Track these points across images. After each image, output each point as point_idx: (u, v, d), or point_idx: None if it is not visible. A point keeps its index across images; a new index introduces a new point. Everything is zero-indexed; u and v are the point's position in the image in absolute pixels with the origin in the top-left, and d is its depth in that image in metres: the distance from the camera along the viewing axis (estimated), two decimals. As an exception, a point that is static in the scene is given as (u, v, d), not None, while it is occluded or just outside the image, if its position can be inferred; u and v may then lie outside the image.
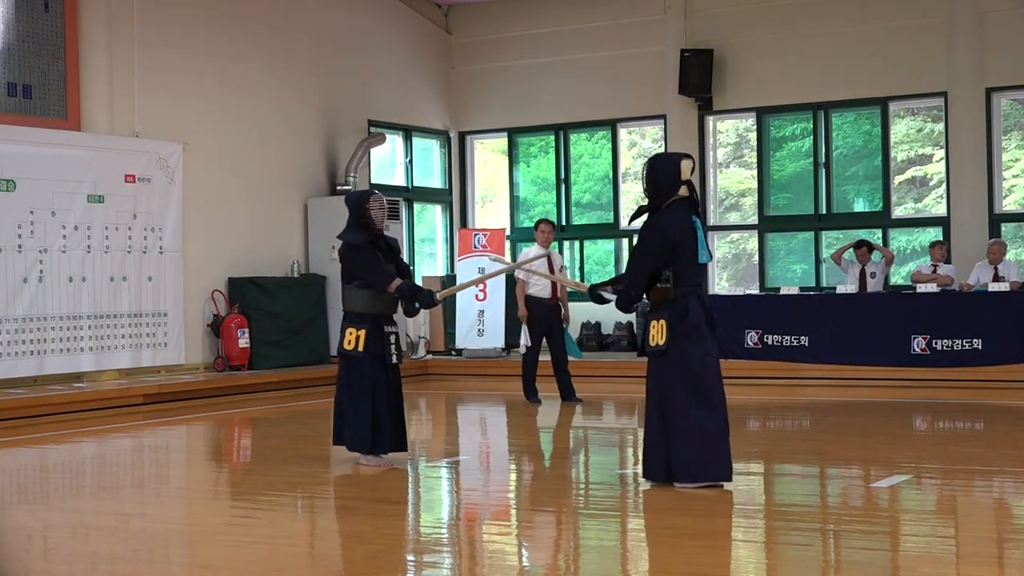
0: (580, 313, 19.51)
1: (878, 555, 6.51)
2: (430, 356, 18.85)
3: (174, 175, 15.81)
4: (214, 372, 16.05)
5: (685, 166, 8.20)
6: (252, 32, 17.18)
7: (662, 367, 8.10)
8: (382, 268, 9.33)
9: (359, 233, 9.48)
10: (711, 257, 8.49)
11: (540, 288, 13.46)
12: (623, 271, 8.75)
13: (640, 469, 8.44)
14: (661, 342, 8.05)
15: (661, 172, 8.24)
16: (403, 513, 8.10)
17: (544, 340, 13.58)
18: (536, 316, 13.52)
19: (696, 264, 8.18)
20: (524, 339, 13.55)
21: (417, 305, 9.37)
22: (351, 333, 9.18)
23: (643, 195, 8.41)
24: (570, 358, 13.75)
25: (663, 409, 8.11)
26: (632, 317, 18.95)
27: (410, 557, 6.70)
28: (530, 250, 13.82)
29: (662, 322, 8.06)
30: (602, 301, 8.89)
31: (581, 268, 20.23)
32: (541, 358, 13.64)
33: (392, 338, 9.36)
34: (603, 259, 20.39)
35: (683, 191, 8.21)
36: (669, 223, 8.14)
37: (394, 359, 9.31)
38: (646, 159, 8.49)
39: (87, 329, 14.79)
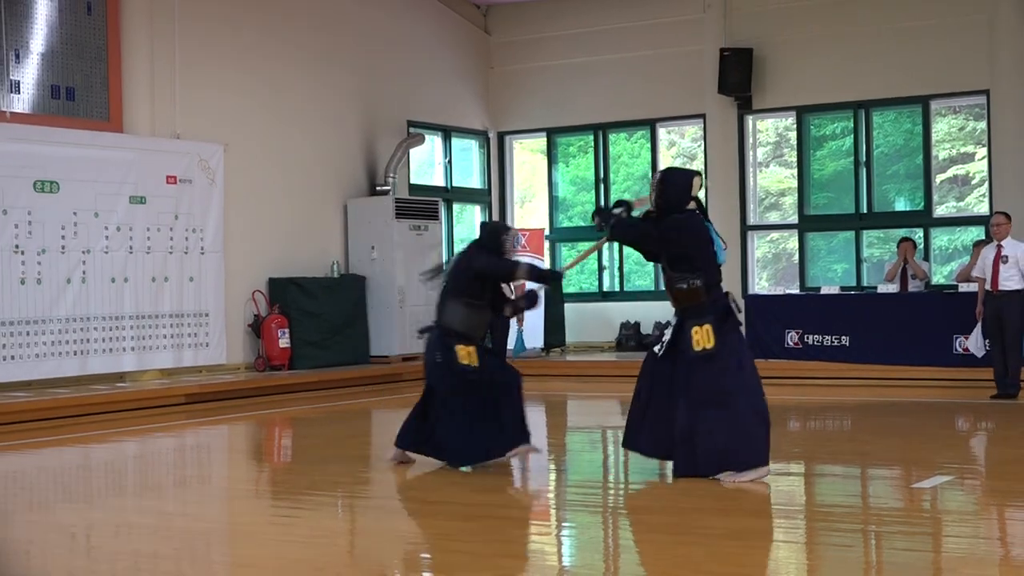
0: (618, 314, 19.52)
1: (920, 556, 6.47)
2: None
3: (215, 176, 15.90)
4: (255, 372, 16.13)
5: (696, 182, 8.47)
6: (292, 33, 17.25)
7: (712, 366, 8.18)
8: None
9: (497, 258, 9.31)
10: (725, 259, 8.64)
11: None
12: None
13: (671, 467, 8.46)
14: (709, 346, 8.17)
15: (674, 186, 8.46)
16: (442, 513, 8.11)
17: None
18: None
19: (716, 264, 8.40)
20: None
21: (534, 295, 9.38)
22: (463, 349, 8.96)
23: (650, 203, 8.58)
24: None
25: (713, 404, 8.15)
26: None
27: (449, 558, 6.71)
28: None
29: (707, 327, 8.18)
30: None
31: (620, 268, 20.20)
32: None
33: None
34: (643, 258, 20.29)
35: (691, 206, 8.45)
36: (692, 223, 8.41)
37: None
38: (660, 171, 8.80)
39: (129, 329, 14.90)
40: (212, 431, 12.71)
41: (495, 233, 9.42)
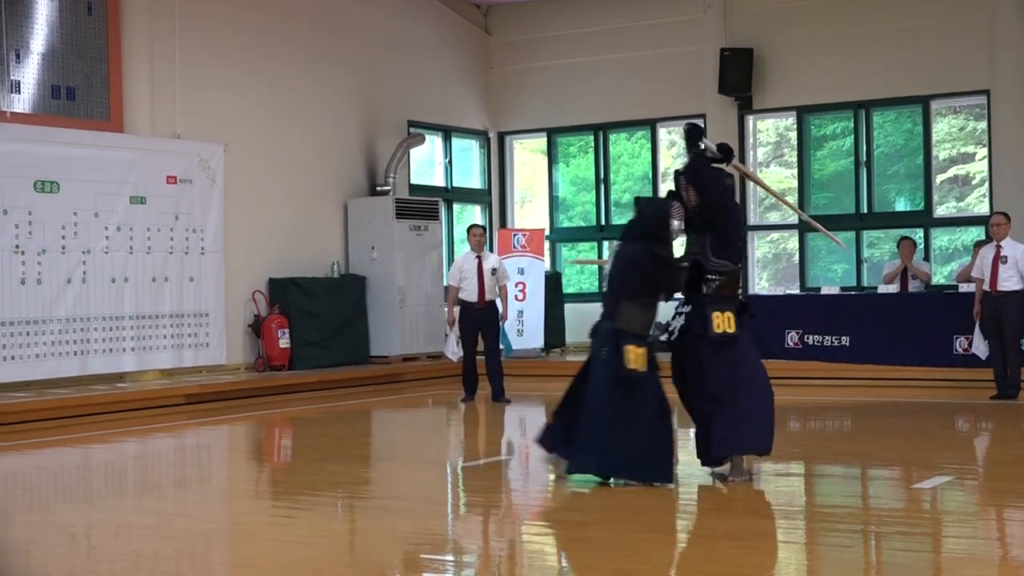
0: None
1: (919, 557, 6.47)
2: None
3: (215, 176, 15.90)
4: (255, 372, 16.13)
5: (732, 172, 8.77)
6: (292, 33, 17.25)
7: (728, 356, 8.32)
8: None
9: (665, 247, 8.52)
10: None
11: (469, 292, 13.86)
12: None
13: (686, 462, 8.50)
14: (731, 329, 8.30)
15: (707, 178, 8.60)
16: (443, 513, 8.12)
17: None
18: (466, 320, 13.90)
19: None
20: (451, 345, 14.11)
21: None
22: (633, 351, 8.26)
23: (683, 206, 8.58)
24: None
25: (728, 392, 8.32)
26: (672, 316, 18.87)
27: (449, 557, 6.72)
28: (460, 256, 14.54)
29: (728, 313, 8.31)
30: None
31: (620, 268, 20.16)
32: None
33: None
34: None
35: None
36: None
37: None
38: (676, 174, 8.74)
39: (129, 329, 14.90)
40: (212, 431, 12.72)
41: (662, 223, 8.48)
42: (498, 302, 14.07)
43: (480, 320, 13.93)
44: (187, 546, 7.01)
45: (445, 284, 18.52)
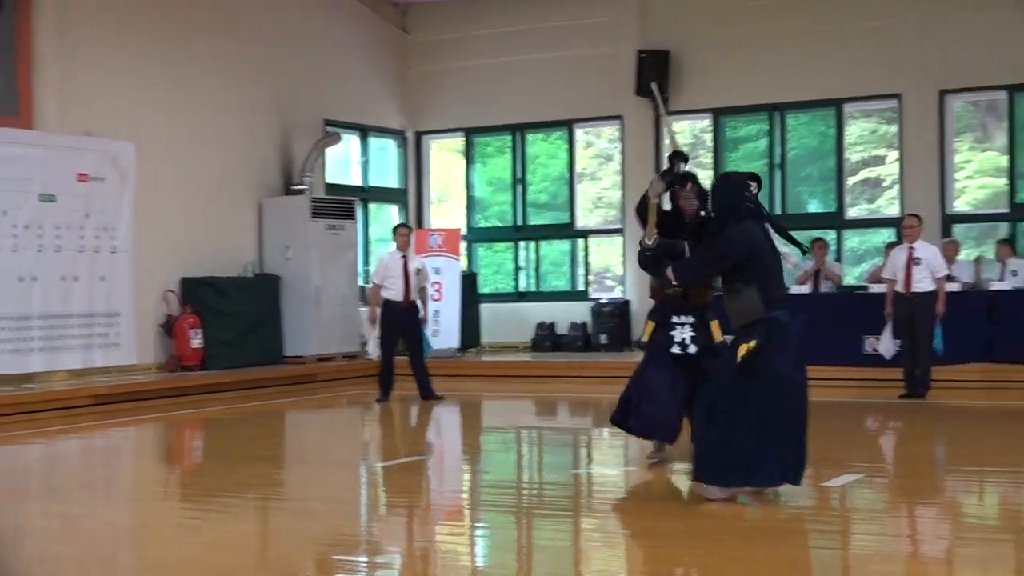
0: (534, 314, 19.54)
1: (829, 554, 6.53)
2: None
3: (127, 174, 15.65)
4: (166, 373, 15.92)
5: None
6: (207, 31, 17.04)
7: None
8: None
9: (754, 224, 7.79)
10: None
11: (394, 292, 13.80)
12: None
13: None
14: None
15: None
16: (357, 515, 8.06)
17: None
18: (389, 319, 13.79)
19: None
20: (373, 343, 13.99)
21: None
22: (744, 348, 7.49)
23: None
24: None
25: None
26: (588, 318, 18.96)
27: (363, 558, 6.66)
28: (385, 255, 14.41)
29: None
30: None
31: (537, 268, 20.24)
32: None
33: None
34: (559, 259, 20.39)
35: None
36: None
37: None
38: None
39: (37, 329, 14.60)
40: (122, 433, 12.53)
41: (741, 186, 7.83)
42: (418, 303, 14.02)
43: (403, 320, 13.86)
44: (92, 549, 6.89)
45: (361, 284, 18.48)
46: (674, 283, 8.23)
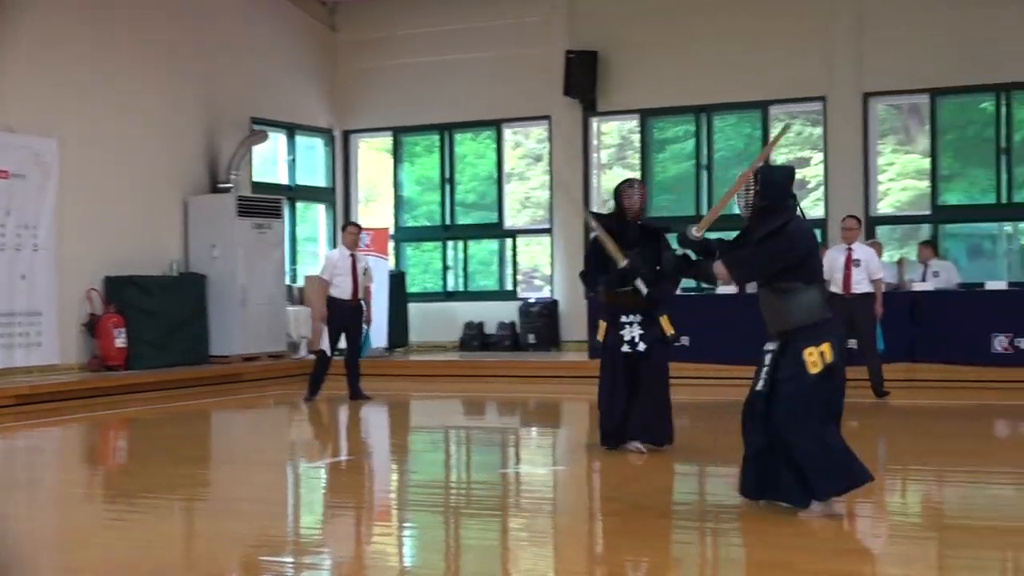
0: (463, 313, 19.53)
1: (756, 551, 6.57)
2: (312, 356, 18.63)
3: (49, 171, 15.43)
4: (89, 372, 15.71)
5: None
6: (132, 27, 16.84)
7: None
8: None
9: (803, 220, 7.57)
10: None
11: (341, 290, 13.76)
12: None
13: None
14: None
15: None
16: (284, 515, 8.00)
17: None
18: (336, 317, 13.76)
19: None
20: (326, 342, 13.87)
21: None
22: (811, 353, 7.08)
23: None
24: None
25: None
26: (516, 317, 18.98)
27: (289, 559, 6.61)
28: (334, 252, 14.30)
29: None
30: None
31: (465, 268, 20.23)
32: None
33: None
34: (487, 259, 20.39)
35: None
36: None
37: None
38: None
39: (-43, 328, 14.38)
40: (44, 433, 12.34)
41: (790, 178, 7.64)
42: (362, 302, 13.96)
43: (349, 318, 13.81)
44: (14, 552, 6.76)
45: (288, 283, 18.36)
46: (719, 281, 7.85)
